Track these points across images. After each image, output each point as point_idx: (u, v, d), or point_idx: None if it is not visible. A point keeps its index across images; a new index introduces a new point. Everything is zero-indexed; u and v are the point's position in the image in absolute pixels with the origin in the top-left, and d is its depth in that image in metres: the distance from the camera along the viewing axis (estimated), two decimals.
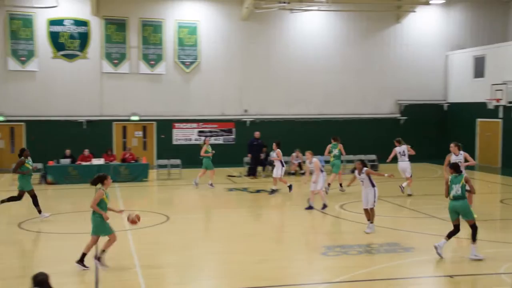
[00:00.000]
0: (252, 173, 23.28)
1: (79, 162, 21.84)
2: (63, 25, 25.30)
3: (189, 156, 25.69)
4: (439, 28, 29.05)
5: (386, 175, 13.70)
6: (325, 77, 28.01)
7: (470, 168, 14.21)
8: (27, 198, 14.65)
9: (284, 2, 25.49)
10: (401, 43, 28.77)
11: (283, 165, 19.11)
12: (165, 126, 26.66)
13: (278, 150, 19.17)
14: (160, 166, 23.73)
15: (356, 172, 13.01)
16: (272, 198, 18.73)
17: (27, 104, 25.13)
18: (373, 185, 12.81)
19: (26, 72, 25.08)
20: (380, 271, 10.05)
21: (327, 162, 19.49)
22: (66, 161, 21.70)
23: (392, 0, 28.17)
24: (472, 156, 27.43)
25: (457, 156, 14.23)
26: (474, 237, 10.57)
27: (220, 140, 27.15)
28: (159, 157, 25.58)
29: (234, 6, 26.99)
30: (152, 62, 26.30)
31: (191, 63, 26.73)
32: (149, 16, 26.35)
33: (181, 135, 26.88)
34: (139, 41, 26.18)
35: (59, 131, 25.10)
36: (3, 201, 14.62)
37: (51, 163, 21.44)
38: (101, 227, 10.13)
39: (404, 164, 18.00)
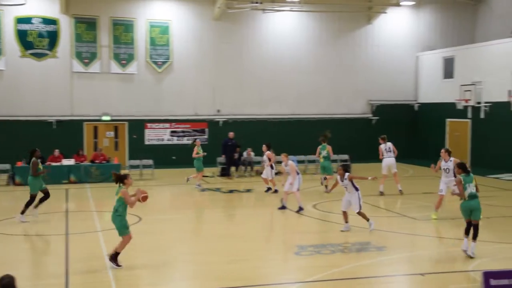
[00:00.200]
0: (226, 173, 23.23)
1: (49, 162, 21.46)
2: (31, 23, 24.83)
3: (162, 157, 25.52)
4: (409, 29, 29.42)
5: (369, 178, 13.76)
6: (298, 77, 28.11)
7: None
8: (26, 197, 14.52)
9: (257, 2, 25.49)
10: (372, 43, 29.05)
11: (272, 167, 19.11)
12: (137, 126, 26.40)
13: (269, 152, 19.14)
14: (132, 167, 23.50)
15: (338, 177, 12.96)
16: (245, 198, 18.74)
17: None
18: (356, 189, 12.84)
19: None
20: (352, 270, 10.11)
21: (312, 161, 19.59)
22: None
23: (363, 1, 28.43)
24: (438, 156, 27.96)
25: (446, 162, 14.30)
26: (475, 236, 10.69)
27: (193, 140, 26.99)
28: (131, 157, 25.33)
29: (206, 6, 26.89)
30: (124, 62, 26.02)
31: (163, 62, 26.54)
32: (120, 15, 26.06)
33: (154, 135, 26.65)
34: (110, 40, 25.87)
35: (28, 131, 24.62)
36: (36, 206, 14.42)
37: (19, 163, 21.02)
38: (122, 227, 10.19)
39: (391, 160, 18.22)
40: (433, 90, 28.72)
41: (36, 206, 14.42)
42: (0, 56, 24.49)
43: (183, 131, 26.92)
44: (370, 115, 29.18)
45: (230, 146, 23.20)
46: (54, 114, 25.36)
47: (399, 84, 29.46)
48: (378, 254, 11.11)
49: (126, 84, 26.27)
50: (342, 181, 12.84)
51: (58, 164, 21.44)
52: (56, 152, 22.07)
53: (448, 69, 27.70)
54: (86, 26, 25.56)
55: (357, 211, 12.84)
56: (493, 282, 5.27)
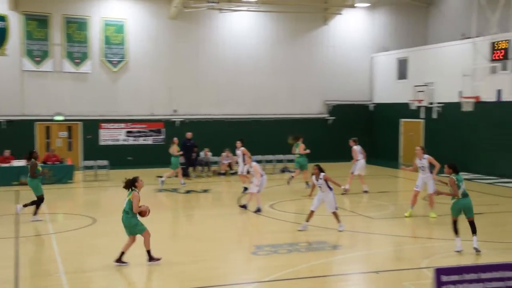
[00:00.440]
0: (184, 173, 23.04)
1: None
2: None
3: (117, 157, 25.10)
4: (364, 30, 29.87)
5: (342, 187, 13.82)
6: (255, 77, 28.15)
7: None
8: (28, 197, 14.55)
9: (213, 2, 25.40)
10: (328, 44, 29.36)
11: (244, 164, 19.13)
12: (92, 127, 25.89)
13: (243, 148, 19.07)
14: (87, 168, 23.01)
15: (314, 177, 13.02)
16: (202, 199, 18.63)
17: None
18: (330, 189, 12.90)
19: None
20: (308, 269, 10.16)
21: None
22: None
23: (319, 2, 28.70)
24: (396, 155, 28.65)
25: (420, 160, 14.52)
26: (475, 231, 10.97)
27: (149, 141, 26.68)
28: (86, 158, 24.80)
29: (162, 5, 26.61)
30: (77, 61, 25.47)
31: (119, 62, 26.11)
32: (73, 13, 25.49)
33: (109, 136, 26.18)
34: (62, 38, 25.27)
35: None
36: (35, 213, 14.32)
37: None
38: (136, 227, 10.29)
39: (364, 162, 18.65)
40: (387, 90, 29.25)
41: (25, 206, 14.35)
42: None
43: (139, 131, 26.56)
44: (327, 115, 29.48)
45: (189, 147, 23.02)
46: (4, 114, 24.62)
47: (355, 84, 29.87)
48: (334, 253, 11.22)
49: (80, 84, 25.73)
50: (317, 180, 12.90)
51: (8, 165, 20.82)
52: (7, 152, 21.43)
53: (402, 70, 28.26)
54: (37, 24, 24.89)
55: (333, 210, 12.88)
56: (444, 278, 5.37)
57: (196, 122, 26.97)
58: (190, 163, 23.33)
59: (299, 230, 12.92)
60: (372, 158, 27.86)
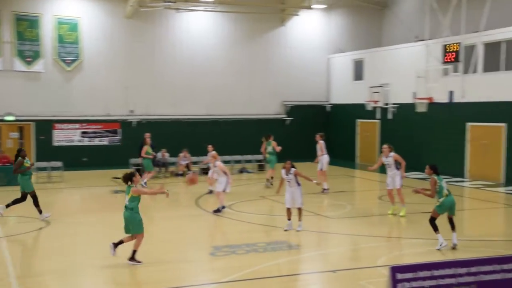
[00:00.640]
0: (141, 175, 22.72)
1: None
2: None
3: (71, 158, 24.56)
4: (321, 31, 30.16)
5: (314, 181, 13.81)
6: (213, 77, 28.04)
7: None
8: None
9: (170, 2, 25.15)
10: (286, 45, 29.52)
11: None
12: (45, 127, 25.24)
13: (214, 152, 18.95)
14: (40, 169, 22.39)
15: (284, 171, 12.94)
16: (160, 200, 18.41)
17: None
18: (298, 184, 12.90)
19: None
20: (266, 269, 10.16)
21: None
22: None
23: (276, 3, 28.82)
24: (353, 155, 29.03)
25: (386, 158, 14.70)
26: (454, 227, 11.28)
27: (105, 141, 26.22)
28: (38, 159, 24.14)
29: (118, 4, 26.20)
30: (29, 59, 24.79)
31: (73, 61, 25.55)
32: (24, 10, 24.80)
33: (63, 136, 25.59)
34: (12, 36, 24.55)
35: None
36: (8, 205, 14.53)
37: None
38: (139, 225, 10.39)
39: (328, 157, 18.90)
40: (344, 91, 29.63)
41: (8, 206, 14.48)
42: None
43: (94, 132, 26.06)
44: (284, 116, 29.63)
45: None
46: None
47: (312, 85, 30.13)
48: (292, 253, 11.25)
49: (32, 83, 25.06)
50: (287, 175, 12.85)
51: None
52: None
53: (358, 71, 28.68)
54: None
55: (299, 206, 12.90)
56: (399, 276, 5.45)
57: (153, 123, 26.66)
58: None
59: (285, 230, 12.86)
60: (330, 158, 28.14)
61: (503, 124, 20.89)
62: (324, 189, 18.48)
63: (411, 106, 22.71)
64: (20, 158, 14.54)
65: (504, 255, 6.25)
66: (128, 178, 10.49)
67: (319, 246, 12.26)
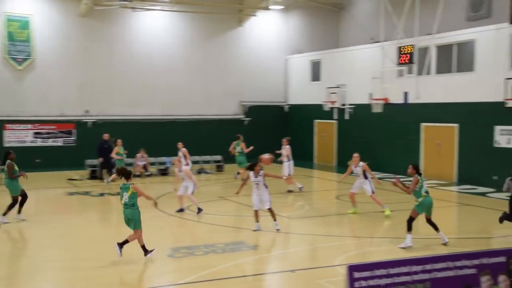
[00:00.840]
0: (101, 177, 22.35)
1: None
2: None
3: (24, 160, 23.82)
4: (279, 32, 30.31)
5: (284, 178, 13.82)
6: (171, 78, 27.80)
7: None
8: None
9: (125, 1, 24.78)
10: (244, 46, 29.53)
11: (188, 164, 18.98)
12: None
13: (184, 149, 18.94)
14: None
15: (252, 174, 12.88)
16: (117, 202, 18.10)
17: None
18: (266, 187, 12.92)
19: None
20: (225, 270, 10.12)
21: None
22: None
23: (234, 4, 28.80)
24: (311, 155, 29.25)
25: (355, 168, 14.81)
26: (436, 226, 11.62)
27: (59, 142, 25.62)
28: None
29: (71, 2, 25.64)
30: None
31: (24, 59, 24.86)
32: None
33: (14, 137, 24.85)
34: None
35: None
36: (5, 214, 14.12)
37: None
38: (139, 221, 10.77)
39: (285, 164, 19.00)
40: (301, 92, 29.85)
41: (19, 212, 14.25)
42: None
43: (48, 133, 25.44)
44: (242, 116, 29.63)
45: (106, 149, 22.34)
46: None
47: (270, 85, 30.24)
48: (251, 253, 11.25)
49: None
50: (256, 177, 12.81)
51: None
52: None
53: (315, 72, 28.95)
54: None
55: (268, 207, 12.92)
56: (356, 274, 5.50)
57: (109, 123, 26.20)
58: (109, 165, 22.61)
59: (254, 230, 12.86)
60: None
61: (455, 125, 21.46)
62: (301, 188, 18.67)
63: (368, 106, 23.04)
64: (9, 161, 14.24)
65: (456, 252, 6.40)
66: (128, 176, 10.95)
67: (278, 246, 12.30)
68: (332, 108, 27.02)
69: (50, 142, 25.46)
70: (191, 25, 28.33)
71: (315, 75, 28.97)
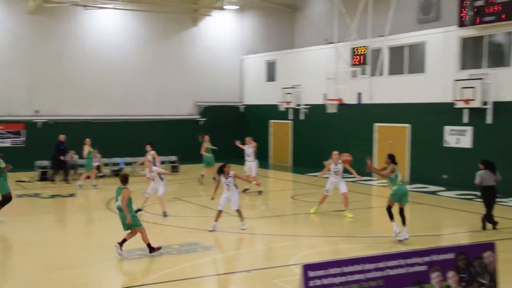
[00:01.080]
0: (65, 178, 21.82)
1: None
2: None
3: None
4: (234, 32, 30.29)
5: (253, 182, 13.80)
6: (124, 77, 27.38)
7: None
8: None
9: None
10: (199, 45, 29.38)
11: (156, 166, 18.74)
12: None
13: (153, 152, 18.47)
14: None
15: (223, 176, 12.94)
16: (69, 204, 17.73)
17: None
18: (236, 187, 13.05)
19: None
20: (180, 271, 10.03)
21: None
22: None
23: (188, 3, 28.61)
24: (266, 155, 29.33)
25: (336, 165, 14.80)
26: (404, 221, 11.86)
27: (7, 143, 24.84)
28: None
29: None
30: None
31: None
32: None
33: None
34: None
35: None
36: None
37: None
38: (136, 220, 10.89)
39: (250, 164, 18.88)
40: (257, 92, 29.93)
41: None
42: None
43: None
44: (198, 116, 29.48)
45: (62, 150, 21.86)
46: None
47: (225, 86, 30.19)
48: (206, 254, 11.18)
49: None
50: (227, 178, 12.93)
51: None
52: None
53: (271, 73, 29.08)
54: None
55: (237, 208, 13.04)
56: (311, 273, 5.53)
57: (61, 123, 25.59)
58: (64, 167, 22.10)
59: (210, 231, 12.80)
60: (243, 159, 28.35)
61: (407, 125, 21.94)
62: (260, 191, 18.62)
63: (322, 107, 23.29)
64: None
65: (408, 250, 6.53)
66: (126, 180, 10.98)
67: (234, 247, 12.27)
68: (287, 109, 27.19)
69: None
70: (145, 24, 27.98)
71: (270, 76, 29.09)
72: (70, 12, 25.87)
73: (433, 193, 19.00)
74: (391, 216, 11.98)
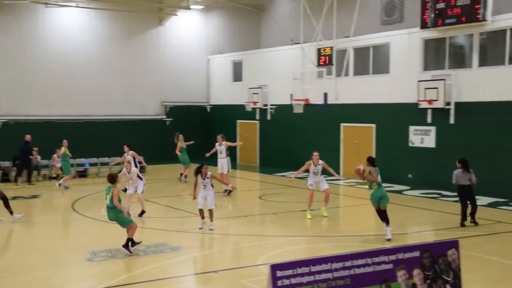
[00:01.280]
0: (28, 179, 21.35)
1: None
2: None
3: None
4: (200, 32, 30.16)
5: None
6: (88, 77, 26.96)
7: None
8: None
9: None
10: (165, 45, 29.16)
11: (136, 166, 18.42)
12: None
13: (132, 151, 18.24)
14: None
15: (200, 176, 13.09)
16: (32, 205, 17.37)
17: None
18: (212, 187, 13.26)
19: None
20: (148, 272, 9.94)
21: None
22: None
23: (153, 3, 28.36)
24: (234, 156, 29.28)
25: (316, 166, 14.82)
26: (388, 222, 12.04)
27: None
28: None
29: None
30: None
31: None
32: None
33: None
34: None
35: None
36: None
37: None
38: (125, 219, 11.03)
39: (223, 161, 18.95)
40: (224, 92, 29.88)
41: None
42: None
43: None
44: (164, 117, 29.26)
45: (28, 150, 21.45)
46: None
47: (192, 86, 30.05)
48: (173, 255, 11.10)
49: None
50: (204, 179, 13.09)
51: None
52: None
53: (237, 73, 29.07)
54: None
55: (212, 207, 13.18)
56: (279, 273, 5.55)
57: (22, 123, 25.04)
58: (28, 167, 21.64)
59: (200, 228, 13.06)
60: (210, 158, 28.25)
61: (373, 125, 22.23)
62: (230, 191, 18.56)
63: (289, 107, 23.37)
64: None
65: (374, 248, 6.62)
66: (113, 179, 11.03)
67: (201, 247, 12.24)
68: (254, 109, 27.22)
69: None
70: (109, 23, 27.62)
71: (237, 76, 29.08)
72: (30, 10, 25.34)
73: (399, 192, 19.29)
74: (381, 218, 12.30)
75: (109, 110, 27.65)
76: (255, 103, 26.93)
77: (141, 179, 14.96)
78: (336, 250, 11.19)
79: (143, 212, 14.85)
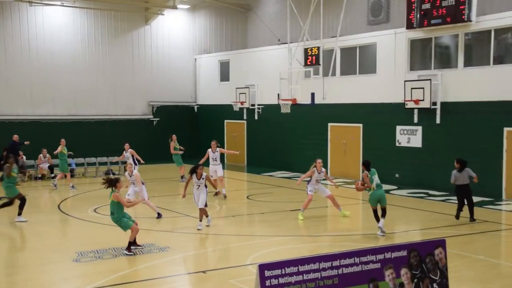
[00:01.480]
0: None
1: None
2: None
3: None
4: (187, 32, 30.10)
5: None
6: (74, 76, 26.79)
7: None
8: None
9: None
10: (151, 44, 29.05)
11: (136, 163, 18.43)
12: None
13: (131, 149, 18.27)
14: None
15: (195, 176, 13.17)
16: (17, 206, 17.21)
17: None
18: (205, 187, 13.41)
19: None
20: (135, 273, 9.92)
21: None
22: None
23: (139, 2, 28.24)
24: (222, 156, 29.15)
25: (319, 173, 14.72)
26: (384, 215, 12.49)
27: None
28: None
29: None
30: None
31: None
32: None
33: None
34: None
35: None
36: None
37: None
38: (125, 223, 10.99)
39: (216, 167, 18.64)
40: (211, 92, 29.83)
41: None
42: None
43: None
44: (151, 116, 29.16)
45: (17, 150, 21.27)
46: None
47: (179, 85, 29.97)
48: (162, 255, 11.08)
49: None
50: (199, 179, 13.20)
51: None
52: None
53: (224, 72, 29.04)
54: None
55: (203, 206, 13.25)
56: (267, 273, 5.57)
57: (7, 123, 24.85)
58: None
59: (207, 226, 13.25)
60: (198, 159, 28.20)
61: (360, 125, 22.33)
62: (224, 195, 18.41)
63: (276, 107, 23.40)
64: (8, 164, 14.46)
65: (362, 248, 6.66)
66: (112, 184, 10.86)
67: (190, 247, 12.20)
68: (241, 109, 27.21)
69: None
70: (95, 22, 27.46)
71: (224, 75, 29.05)
72: (14, 8, 25.16)
73: (386, 192, 19.21)
74: (377, 219, 12.54)
75: (96, 110, 27.51)
76: (242, 103, 26.92)
77: (142, 183, 14.81)
78: (324, 249, 11.23)
79: (159, 215, 14.67)
